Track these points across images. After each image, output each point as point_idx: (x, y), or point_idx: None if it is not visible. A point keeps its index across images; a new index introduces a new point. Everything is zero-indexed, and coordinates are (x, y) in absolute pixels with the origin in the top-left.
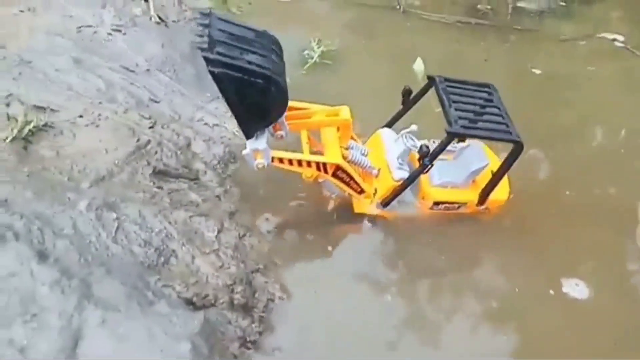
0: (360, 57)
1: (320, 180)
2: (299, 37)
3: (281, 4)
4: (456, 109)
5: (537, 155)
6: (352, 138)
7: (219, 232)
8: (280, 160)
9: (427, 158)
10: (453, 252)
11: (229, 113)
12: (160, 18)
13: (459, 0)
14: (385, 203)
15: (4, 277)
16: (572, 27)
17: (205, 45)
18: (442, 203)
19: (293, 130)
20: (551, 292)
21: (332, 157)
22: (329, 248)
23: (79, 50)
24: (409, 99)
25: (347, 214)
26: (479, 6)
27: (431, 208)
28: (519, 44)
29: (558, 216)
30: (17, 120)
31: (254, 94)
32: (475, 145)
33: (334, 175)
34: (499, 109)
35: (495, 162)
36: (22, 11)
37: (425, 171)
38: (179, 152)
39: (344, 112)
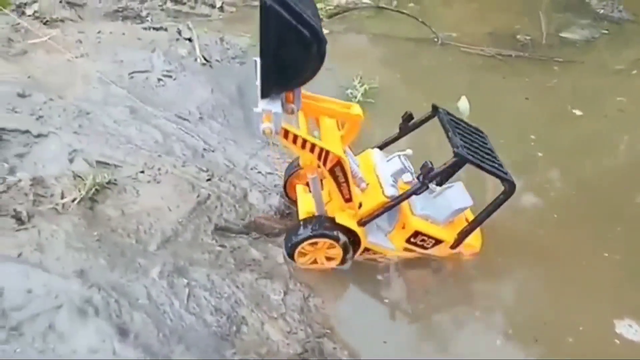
0: (402, 94)
1: (309, 177)
2: (341, 74)
3: None
4: (460, 139)
5: (571, 203)
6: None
7: (284, 294)
8: (286, 134)
9: (427, 176)
10: (501, 296)
11: (282, 159)
12: (205, 59)
13: (497, 31)
14: (365, 221)
15: (85, 354)
16: (616, 56)
17: None
18: (422, 235)
19: (302, 109)
20: (617, 341)
21: (337, 149)
22: (388, 300)
23: (133, 99)
24: (407, 125)
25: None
26: (518, 36)
27: (407, 240)
28: (561, 79)
29: (600, 260)
30: (83, 179)
31: (296, 44)
32: (458, 187)
33: (331, 170)
34: (492, 151)
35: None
36: (76, 57)
37: (419, 191)
38: (237, 205)
39: (356, 108)
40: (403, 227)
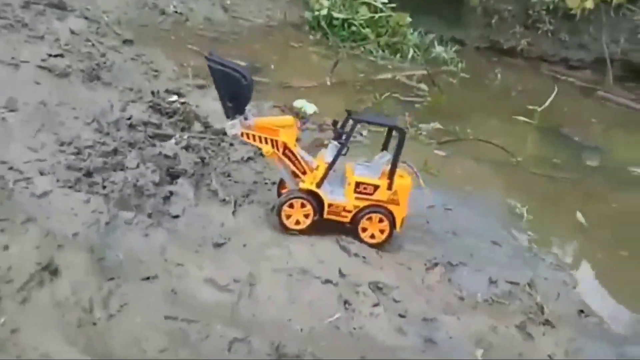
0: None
1: (280, 169)
2: (490, 199)
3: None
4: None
5: None
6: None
7: None
8: (248, 135)
9: (340, 139)
10: None
11: None
12: None
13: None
14: (319, 183)
15: None
16: None
17: (211, 54)
18: (362, 184)
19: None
20: None
21: (281, 138)
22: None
23: None
24: (335, 129)
25: None
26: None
27: (354, 191)
28: None
29: None
30: None
31: (232, 81)
32: (385, 154)
33: (284, 153)
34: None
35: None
36: None
37: (342, 150)
38: None
39: (289, 119)
40: (349, 184)
